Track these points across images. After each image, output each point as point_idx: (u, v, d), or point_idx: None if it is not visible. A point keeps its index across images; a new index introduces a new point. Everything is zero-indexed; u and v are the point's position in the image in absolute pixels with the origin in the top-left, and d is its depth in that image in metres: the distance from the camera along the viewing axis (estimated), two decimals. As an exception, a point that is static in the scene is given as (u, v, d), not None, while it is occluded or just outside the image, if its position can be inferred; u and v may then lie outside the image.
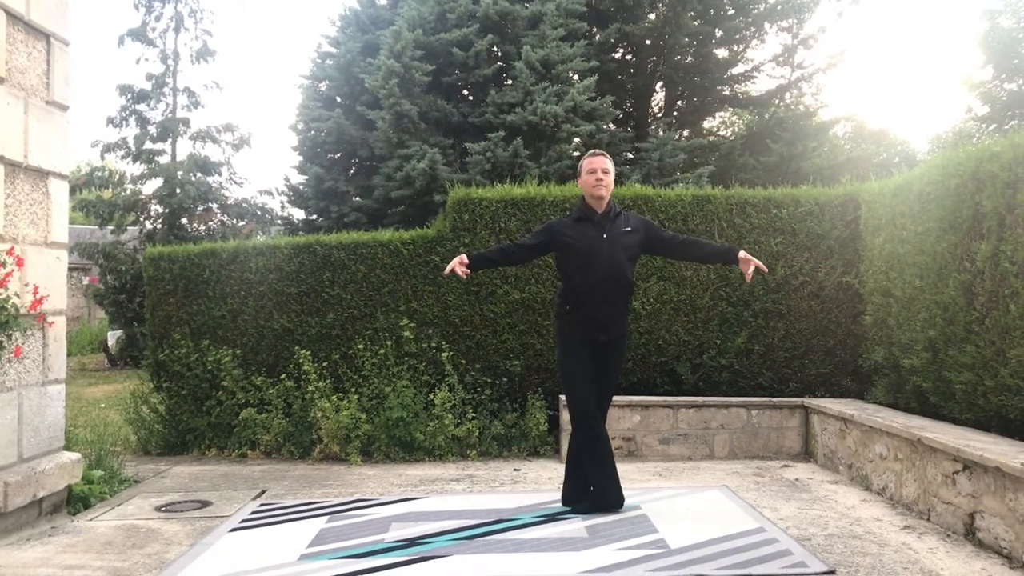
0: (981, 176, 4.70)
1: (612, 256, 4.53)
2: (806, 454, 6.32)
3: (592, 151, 4.83)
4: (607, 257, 4.52)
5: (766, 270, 4.81)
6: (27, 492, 4.41)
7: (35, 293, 4.45)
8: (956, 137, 21.04)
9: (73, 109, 5.02)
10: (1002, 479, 3.80)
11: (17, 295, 4.31)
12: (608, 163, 4.68)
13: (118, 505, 5.05)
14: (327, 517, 4.65)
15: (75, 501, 4.95)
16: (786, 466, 6.03)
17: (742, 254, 4.55)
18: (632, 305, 6.54)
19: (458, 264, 4.56)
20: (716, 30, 14.96)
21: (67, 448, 5.10)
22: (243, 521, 4.62)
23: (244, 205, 16.80)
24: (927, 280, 5.25)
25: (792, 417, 6.37)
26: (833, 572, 3.59)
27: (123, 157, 16.52)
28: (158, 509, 4.95)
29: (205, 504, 5.06)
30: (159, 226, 16.34)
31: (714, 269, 6.65)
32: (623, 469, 5.58)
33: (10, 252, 4.24)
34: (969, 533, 4.07)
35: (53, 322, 4.82)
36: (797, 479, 5.57)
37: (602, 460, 4.57)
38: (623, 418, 6.30)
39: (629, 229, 4.63)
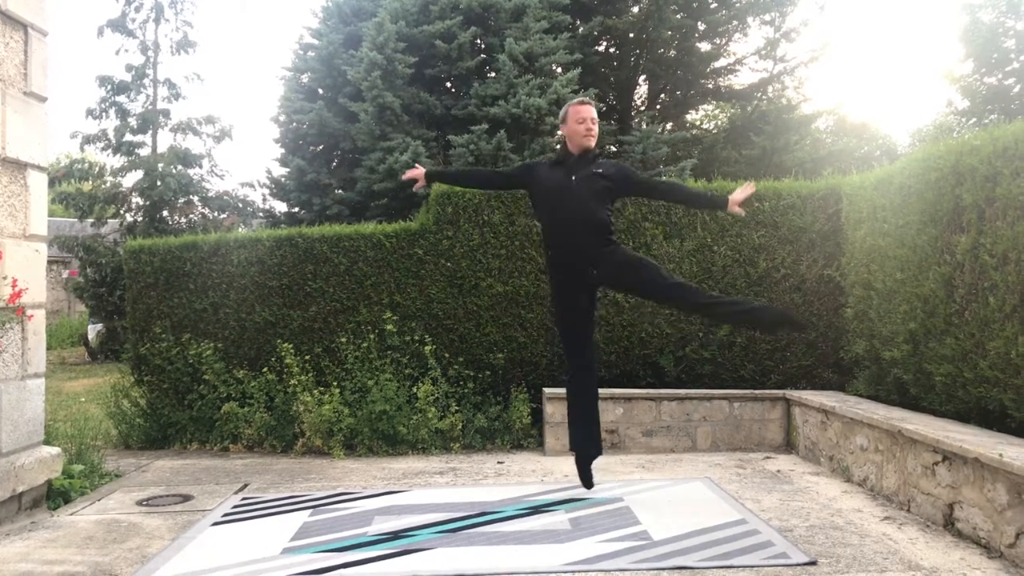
0: (961, 170, 4.74)
1: (579, 197, 4.48)
2: (788, 446, 6.36)
3: (579, 99, 4.76)
4: (574, 199, 4.48)
5: (751, 194, 4.77)
6: (6, 487, 4.37)
7: (14, 286, 4.41)
8: (937, 131, 21.22)
9: (52, 100, 4.97)
10: (981, 470, 3.84)
11: (-5, 288, 4.27)
12: (595, 112, 4.64)
13: (99, 500, 5.02)
14: (310, 511, 4.64)
15: (55, 496, 4.91)
16: (768, 458, 6.07)
17: (733, 206, 4.61)
18: (616, 298, 6.57)
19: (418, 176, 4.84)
20: (699, 23, 15.01)
21: (47, 442, 5.05)
22: (225, 515, 4.60)
23: (225, 198, 16.71)
24: (908, 273, 5.29)
25: (774, 409, 6.41)
26: (814, 563, 3.61)
27: (103, 149, 16.40)
28: (139, 503, 4.91)
29: (187, 498, 5.03)
30: (139, 219, 16.23)
31: (697, 263, 6.67)
32: (606, 461, 5.62)
33: (-13, 245, 4.19)
34: (948, 523, 4.11)
35: (32, 315, 4.76)
36: (779, 471, 5.61)
37: (583, 408, 4.82)
38: (606, 411, 6.30)
39: (600, 172, 4.57)
